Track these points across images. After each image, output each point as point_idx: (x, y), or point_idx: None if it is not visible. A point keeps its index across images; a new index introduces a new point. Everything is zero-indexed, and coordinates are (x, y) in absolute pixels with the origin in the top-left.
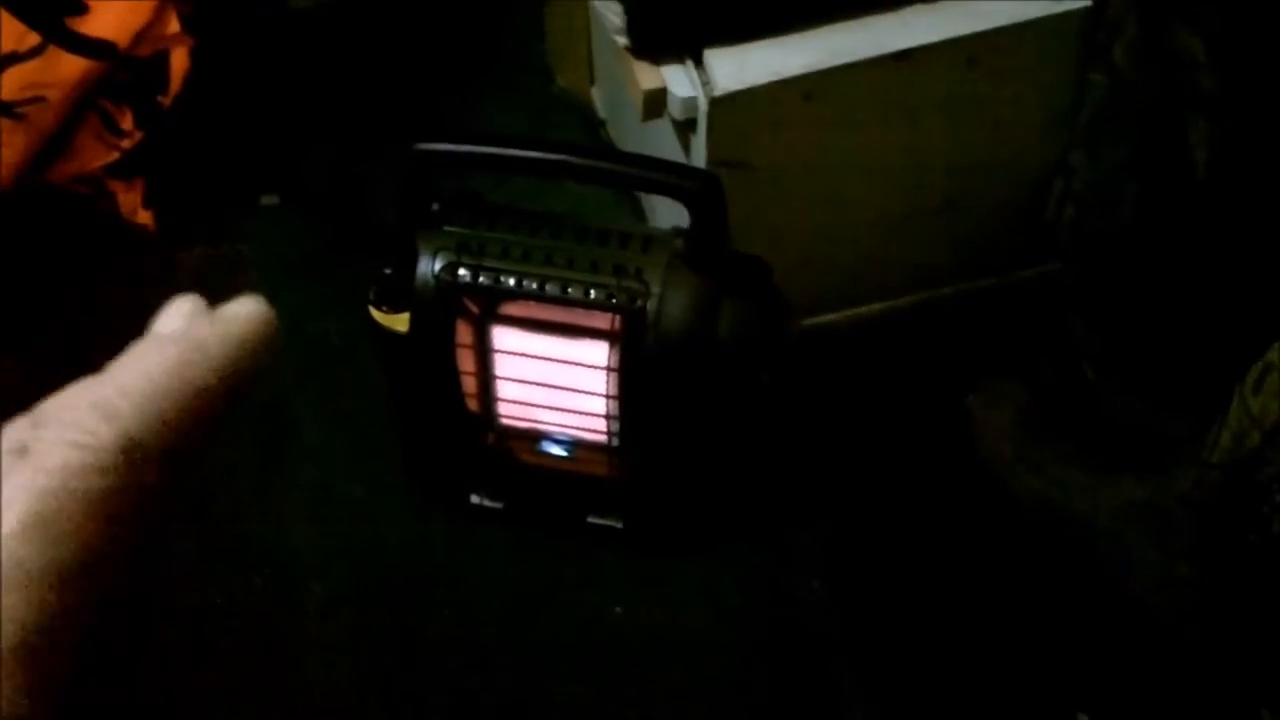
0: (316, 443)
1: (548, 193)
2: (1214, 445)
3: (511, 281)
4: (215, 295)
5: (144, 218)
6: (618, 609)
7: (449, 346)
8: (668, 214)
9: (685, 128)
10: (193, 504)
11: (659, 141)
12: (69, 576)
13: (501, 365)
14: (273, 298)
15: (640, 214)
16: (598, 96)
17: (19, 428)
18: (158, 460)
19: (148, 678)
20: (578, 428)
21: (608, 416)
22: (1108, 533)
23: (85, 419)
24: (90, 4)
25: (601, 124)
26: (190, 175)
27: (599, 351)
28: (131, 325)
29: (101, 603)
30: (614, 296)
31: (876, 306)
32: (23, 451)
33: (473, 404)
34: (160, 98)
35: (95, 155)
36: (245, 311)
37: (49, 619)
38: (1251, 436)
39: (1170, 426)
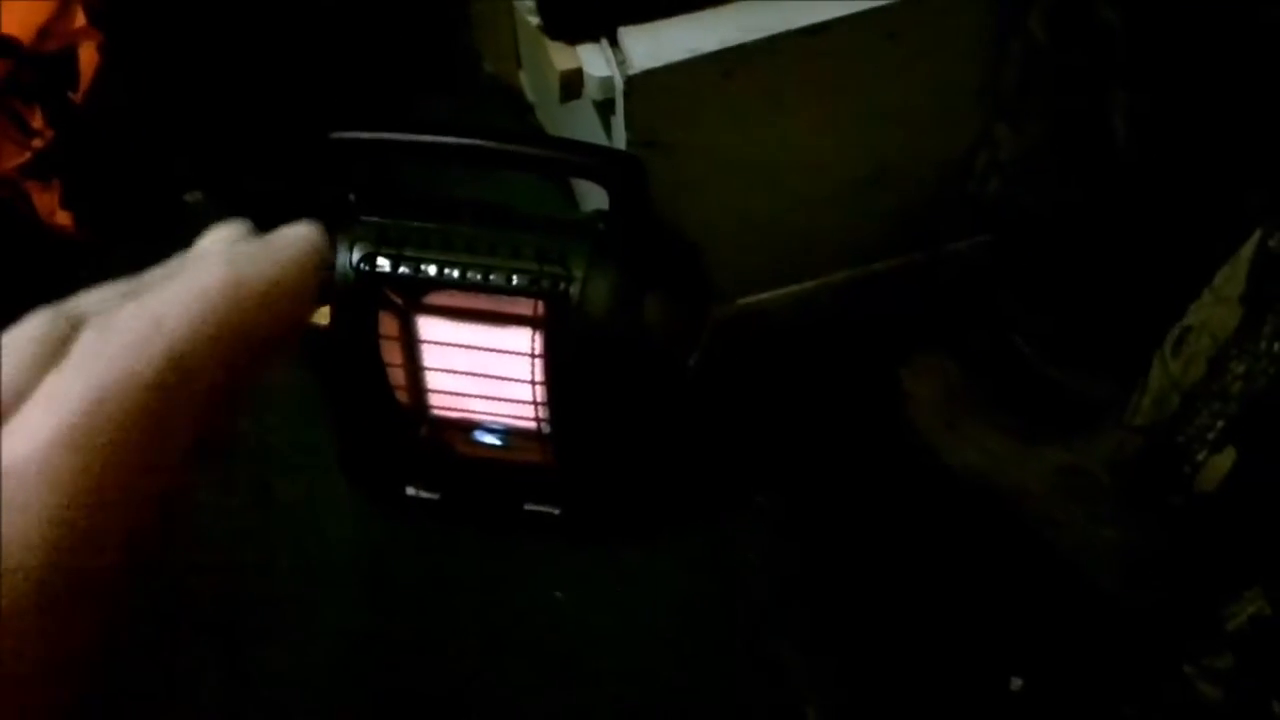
0: (252, 440)
1: (480, 181)
2: (1135, 409)
3: (432, 270)
4: None
5: (63, 219)
6: (558, 594)
7: (373, 339)
8: (598, 200)
9: (604, 109)
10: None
11: (584, 124)
12: (105, 497)
13: (429, 356)
14: None
15: (573, 200)
16: (525, 80)
17: (49, 319)
18: (207, 380)
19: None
20: (509, 416)
21: (536, 403)
22: (1037, 499)
23: (134, 328)
24: None
25: (531, 109)
26: (110, 174)
27: (524, 338)
28: None
29: (130, 541)
30: (536, 282)
31: (808, 284)
32: (58, 344)
33: (403, 396)
34: (71, 94)
35: (6, 156)
36: (299, 233)
37: (82, 540)
38: (1171, 399)
39: (1096, 393)
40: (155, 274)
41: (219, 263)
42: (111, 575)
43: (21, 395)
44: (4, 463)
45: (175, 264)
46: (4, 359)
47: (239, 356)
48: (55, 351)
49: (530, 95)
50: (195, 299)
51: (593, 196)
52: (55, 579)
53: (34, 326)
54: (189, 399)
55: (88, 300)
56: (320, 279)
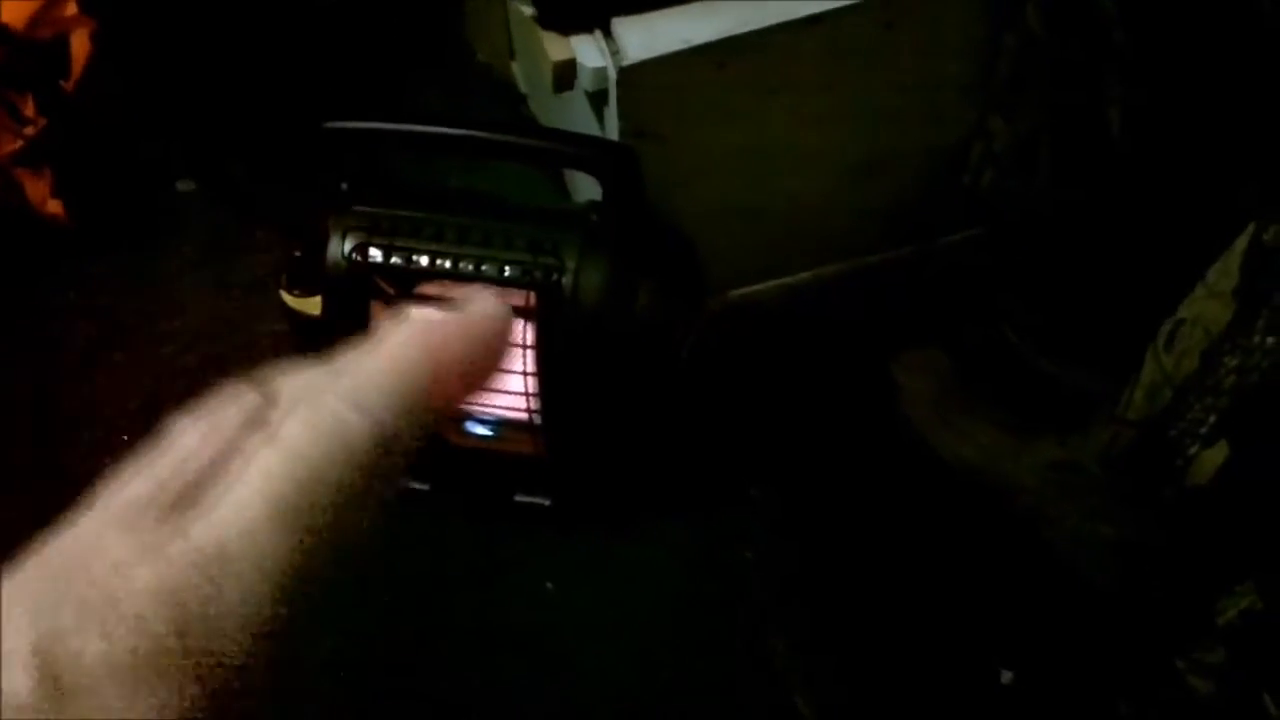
0: None
1: (473, 172)
2: (1128, 403)
3: (424, 260)
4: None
5: (54, 207)
6: (549, 584)
7: (364, 329)
8: (591, 191)
9: (598, 99)
10: None
11: (576, 115)
12: (311, 576)
13: None
14: (194, 283)
15: (565, 191)
16: (518, 71)
17: (247, 392)
18: (406, 456)
19: None
20: (501, 406)
21: (528, 394)
22: (1030, 494)
23: (337, 406)
24: None
25: (523, 99)
26: (101, 162)
27: (516, 329)
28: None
29: (322, 615)
30: (529, 273)
31: (801, 276)
32: (257, 425)
33: None
34: (62, 83)
35: None
36: (490, 310)
37: (286, 621)
38: (1164, 393)
39: (1089, 386)
40: (351, 352)
41: (418, 343)
42: (301, 647)
43: (222, 466)
44: (214, 539)
45: (370, 341)
46: (205, 428)
47: (431, 430)
48: (254, 424)
49: (523, 86)
50: (398, 380)
51: (585, 187)
52: (256, 659)
53: (232, 399)
54: (389, 476)
55: (283, 376)
56: (507, 349)
